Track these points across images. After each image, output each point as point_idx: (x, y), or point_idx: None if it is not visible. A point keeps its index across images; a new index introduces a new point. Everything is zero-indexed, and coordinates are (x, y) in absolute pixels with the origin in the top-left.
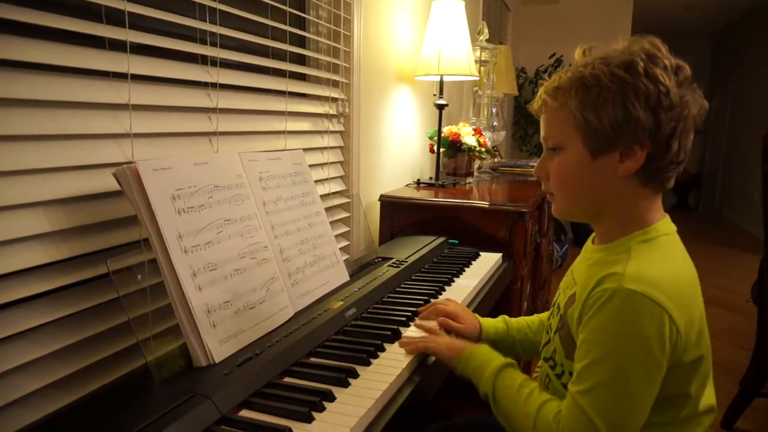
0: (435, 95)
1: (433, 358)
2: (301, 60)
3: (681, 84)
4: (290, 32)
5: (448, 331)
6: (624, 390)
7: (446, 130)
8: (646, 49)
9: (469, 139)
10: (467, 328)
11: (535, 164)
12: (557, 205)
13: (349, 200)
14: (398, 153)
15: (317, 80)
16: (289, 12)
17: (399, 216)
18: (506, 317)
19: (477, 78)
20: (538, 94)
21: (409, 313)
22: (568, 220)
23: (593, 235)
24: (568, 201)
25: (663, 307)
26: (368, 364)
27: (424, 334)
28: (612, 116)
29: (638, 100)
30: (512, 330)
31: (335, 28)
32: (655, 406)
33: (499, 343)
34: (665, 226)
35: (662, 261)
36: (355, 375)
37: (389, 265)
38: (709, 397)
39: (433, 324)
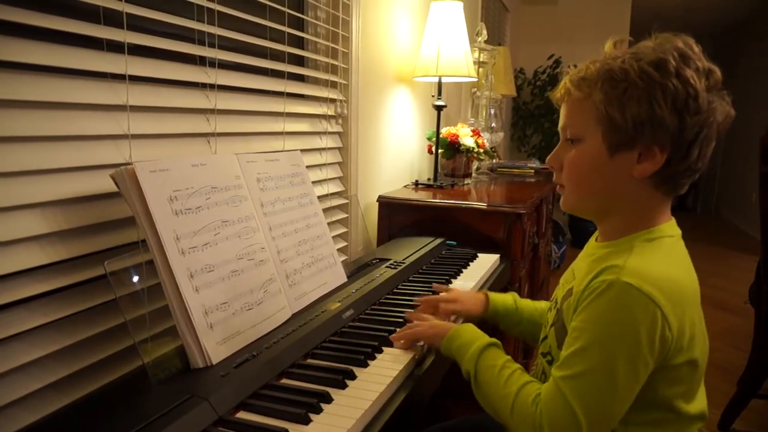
0: (433, 96)
1: (429, 360)
2: (299, 61)
3: (710, 89)
4: (288, 33)
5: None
6: (608, 381)
7: (444, 131)
8: (679, 48)
9: (467, 140)
10: (467, 309)
11: (534, 165)
12: (566, 197)
13: (347, 201)
14: (396, 154)
15: (315, 81)
16: (288, 13)
17: (397, 217)
18: (516, 295)
19: (475, 79)
20: (562, 82)
21: (407, 314)
22: (574, 214)
23: (596, 233)
24: (577, 195)
25: (657, 304)
26: (365, 365)
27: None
28: (636, 113)
29: (665, 100)
30: (520, 306)
31: (333, 29)
32: (643, 406)
33: (506, 317)
34: (670, 228)
35: (663, 261)
36: (353, 377)
37: (387, 267)
38: (700, 403)
39: (418, 314)
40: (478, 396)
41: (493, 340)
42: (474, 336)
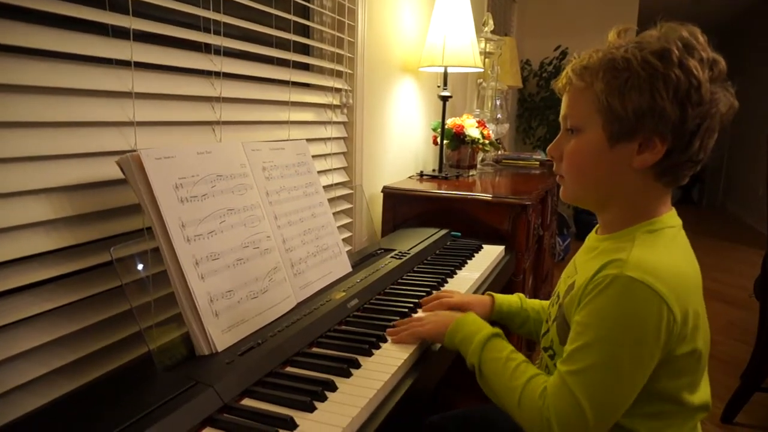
0: (439, 87)
1: (435, 349)
2: (304, 50)
3: (714, 79)
4: (294, 21)
5: None
6: (614, 375)
7: (450, 122)
8: (683, 38)
9: (472, 131)
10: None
11: (539, 157)
12: (566, 188)
13: (351, 191)
14: (401, 144)
15: (321, 70)
16: (293, 1)
17: (402, 208)
18: (522, 295)
19: (481, 70)
20: (565, 71)
21: (412, 305)
22: (574, 205)
23: (597, 226)
24: (577, 185)
25: (662, 296)
26: (370, 354)
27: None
28: (637, 104)
29: (667, 90)
30: (526, 306)
31: (339, 17)
32: (647, 398)
33: (512, 317)
34: (671, 218)
35: (665, 252)
36: (357, 365)
37: (392, 257)
38: (704, 393)
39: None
40: (485, 388)
41: (496, 330)
42: (476, 327)
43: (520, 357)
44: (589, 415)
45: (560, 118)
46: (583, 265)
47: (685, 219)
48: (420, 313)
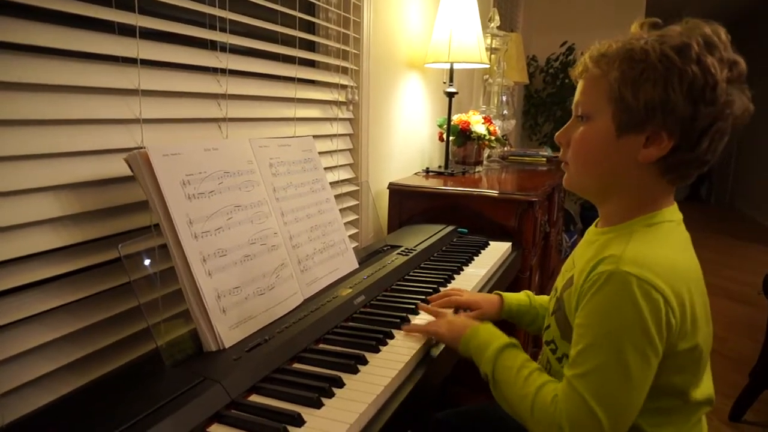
0: (445, 83)
1: (441, 346)
2: (310, 46)
3: (732, 80)
4: (300, 18)
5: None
6: (621, 374)
7: (456, 118)
8: (705, 35)
9: (478, 127)
10: (483, 313)
11: (545, 154)
12: (569, 175)
13: (358, 188)
14: (407, 141)
15: (327, 67)
16: None
17: (408, 204)
18: (529, 292)
19: (487, 66)
20: (583, 58)
21: (418, 301)
22: (575, 193)
23: (597, 219)
24: (581, 173)
25: (659, 290)
26: (377, 351)
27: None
28: (649, 96)
29: (681, 86)
30: (535, 303)
31: (345, 14)
32: (651, 394)
33: (521, 315)
34: (671, 213)
35: (661, 246)
36: (364, 362)
37: (398, 253)
38: (707, 388)
39: (433, 308)
40: (497, 397)
41: (512, 340)
42: (492, 336)
43: (533, 365)
44: (602, 418)
45: (572, 105)
46: (580, 258)
47: (693, 216)
48: (426, 316)
